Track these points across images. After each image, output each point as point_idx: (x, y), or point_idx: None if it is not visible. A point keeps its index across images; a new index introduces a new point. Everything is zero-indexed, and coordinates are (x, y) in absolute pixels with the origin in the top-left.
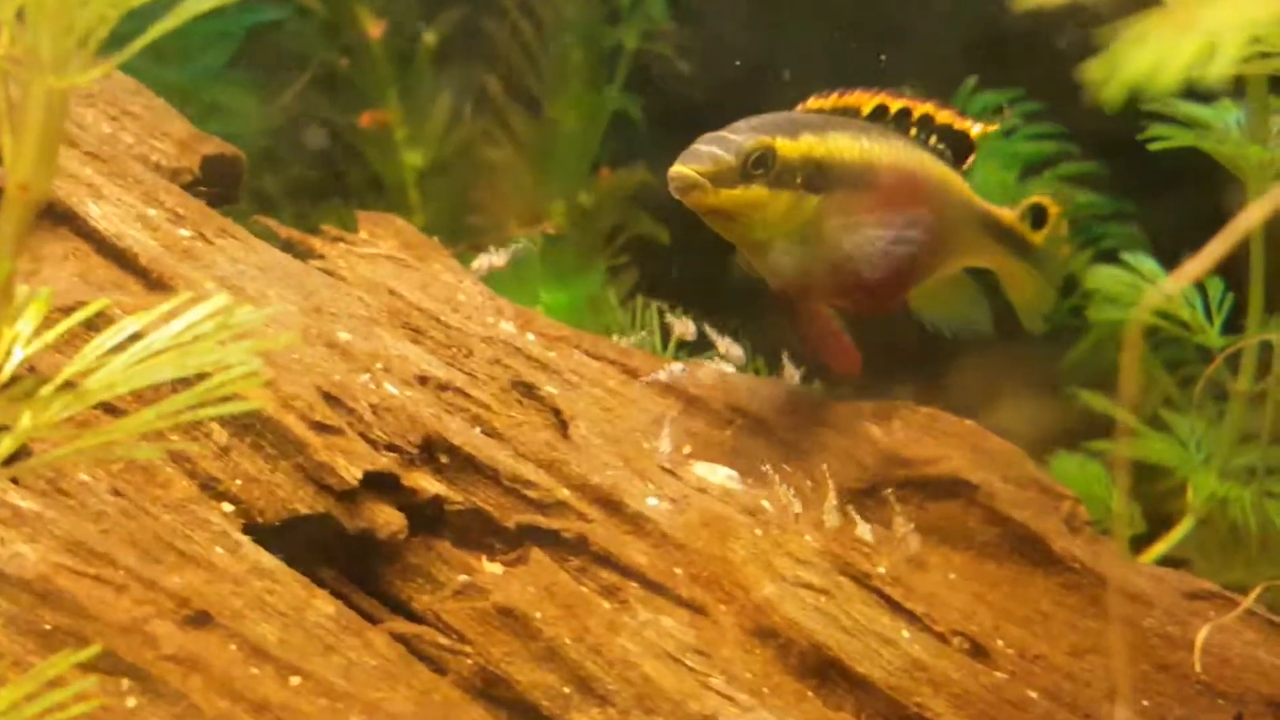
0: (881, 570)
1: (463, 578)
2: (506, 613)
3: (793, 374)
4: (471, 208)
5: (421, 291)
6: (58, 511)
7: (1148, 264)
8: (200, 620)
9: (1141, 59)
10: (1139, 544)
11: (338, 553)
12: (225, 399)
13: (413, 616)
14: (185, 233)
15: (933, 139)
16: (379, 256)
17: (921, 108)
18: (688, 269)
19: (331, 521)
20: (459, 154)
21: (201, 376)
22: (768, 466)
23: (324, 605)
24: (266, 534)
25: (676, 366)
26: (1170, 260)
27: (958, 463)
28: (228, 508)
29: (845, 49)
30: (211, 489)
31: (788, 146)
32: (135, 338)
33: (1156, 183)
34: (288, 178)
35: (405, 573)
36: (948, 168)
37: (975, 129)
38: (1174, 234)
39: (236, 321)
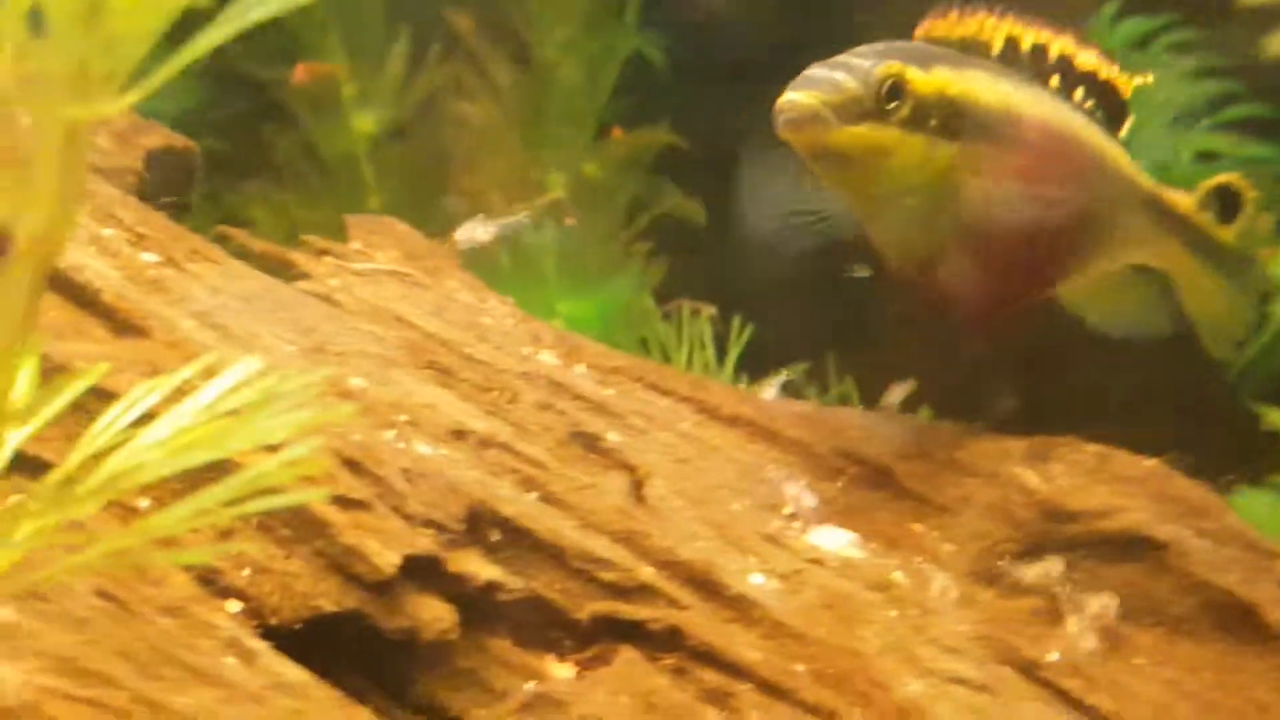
0: (1053, 657)
1: (529, 685)
2: None
3: (896, 397)
4: (442, 186)
5: (438, 318)
6: (37, 620)
7: None
8: None
9: None
10: None
11: (368, 657)
12: (267, 490)
13: None
14: (150, 257)
15: (1078, 92)
16: (380, 273)
17: (1059, 43)
18: (730, 256)
19: (364, 621)
20: (423, 115)
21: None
22: (895, 528)
23: None
24: (284, 638)
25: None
26: None
27: (1139, 515)
28: (234, 606)
29: None
30: (212, 584)
31: (921, 80)
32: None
33: None
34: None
35: (453, 680)
36: (1103, 133)
37: (1128, 81)
38: None
39: (286, 389)
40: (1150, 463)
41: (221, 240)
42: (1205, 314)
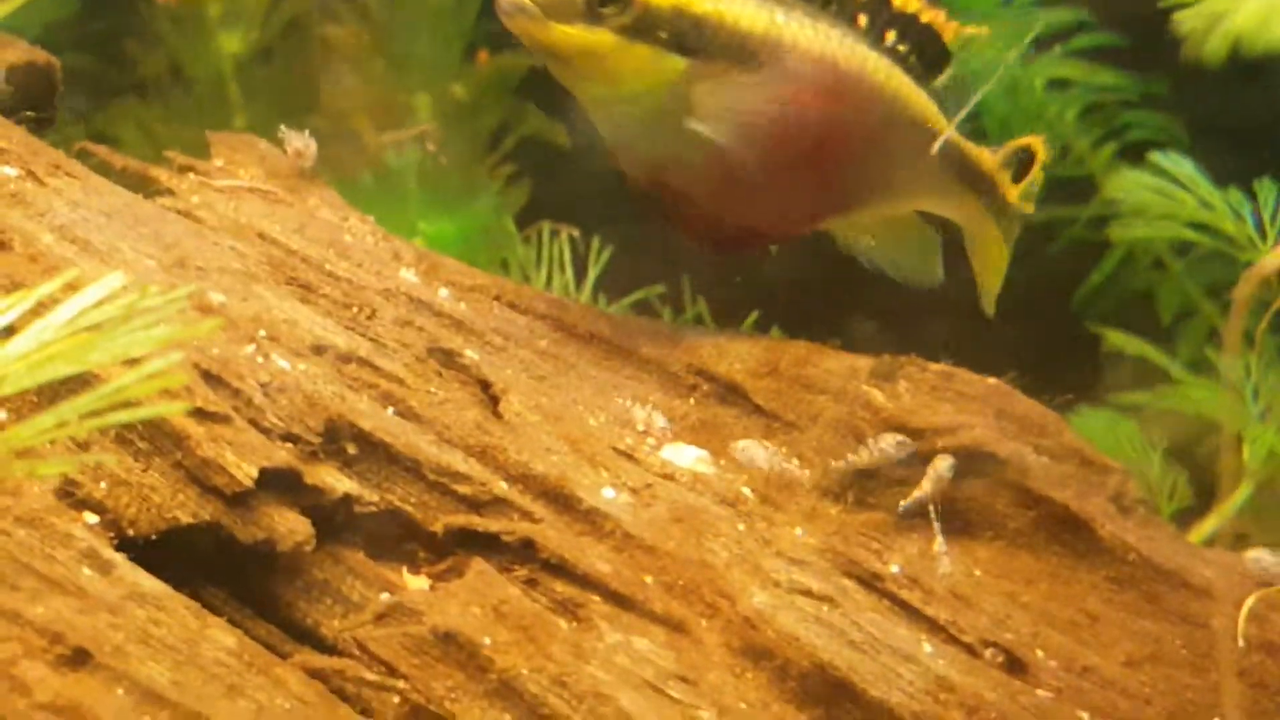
0: (894, 569)
1: (385, 596)
2: (448, 639)
3: None
4: (309, 106)
5: (300, 234)
6: None
7: (1184, 166)
8: (78, 659)
9: (1249, 9)
10: (1186, 518)
11: (225, 569)
12: (129, 403)
13: (323, 645)
14: (10, 171)
15: (891, 35)
16: (242, 190)
17: None
18: (593, 179)
19: (221, 532)
20: (289, 35)
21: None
22: (745, 444)
23: (221, 636)
24: (141, 550)
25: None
26: (1213, 159)
27: (980, 432)
28: (92, 518)
29: None
30: (70, 495)
31: None
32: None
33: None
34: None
35: (309, 592)
36: (905, 78)
37: (952, 28)
38: (1217, 125)
39: (148, 304)
40: (992, 381)
41: (83, 156)
42: (983, 268)
